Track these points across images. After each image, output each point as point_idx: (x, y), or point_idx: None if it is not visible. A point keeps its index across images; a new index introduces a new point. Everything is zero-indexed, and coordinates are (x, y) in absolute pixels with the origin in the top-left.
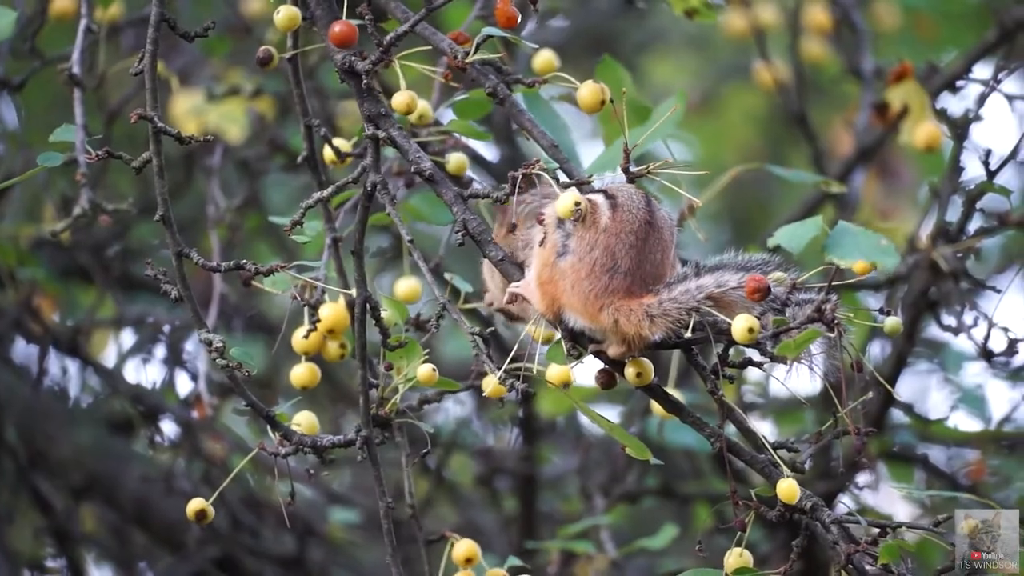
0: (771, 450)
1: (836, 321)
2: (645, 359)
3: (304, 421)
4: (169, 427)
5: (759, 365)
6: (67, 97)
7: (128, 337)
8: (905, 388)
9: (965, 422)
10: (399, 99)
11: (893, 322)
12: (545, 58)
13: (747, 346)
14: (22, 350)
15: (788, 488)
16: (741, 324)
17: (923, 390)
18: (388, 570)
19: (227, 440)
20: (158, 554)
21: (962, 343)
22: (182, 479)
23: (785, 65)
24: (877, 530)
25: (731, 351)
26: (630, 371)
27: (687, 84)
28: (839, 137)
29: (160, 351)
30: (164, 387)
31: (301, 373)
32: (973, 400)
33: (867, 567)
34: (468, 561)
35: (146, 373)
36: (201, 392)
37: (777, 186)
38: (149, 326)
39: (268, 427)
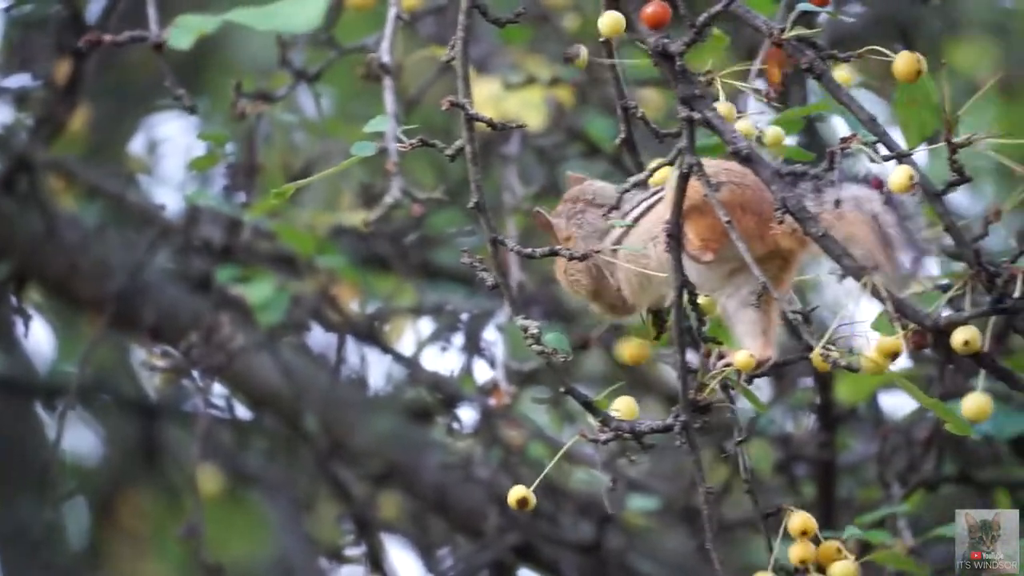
0: None
1: None
2: (973, 326)
3: (623, 406)
4: (467, 415)
5: None
6: (365, 87)
7: (426, 325)
8: None
9: None
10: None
11: None
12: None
13: None
14: (320, 339)
15: None
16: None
17: None
18: (687, 557)
19: (525, 427)
20: (457, 541)
21: None
22: (480, 467)
23: None
24: None
25: None
26: (957, 338)
27: (989, 71)
28: None
29: (458, 339)
30: (462, 375)
31: (632, 349)
32: None
33: None
34: (803, 533)
35: (444, 361)
36: (499, 380)
37: None
38: (448, 314)
39: (587, 413)
